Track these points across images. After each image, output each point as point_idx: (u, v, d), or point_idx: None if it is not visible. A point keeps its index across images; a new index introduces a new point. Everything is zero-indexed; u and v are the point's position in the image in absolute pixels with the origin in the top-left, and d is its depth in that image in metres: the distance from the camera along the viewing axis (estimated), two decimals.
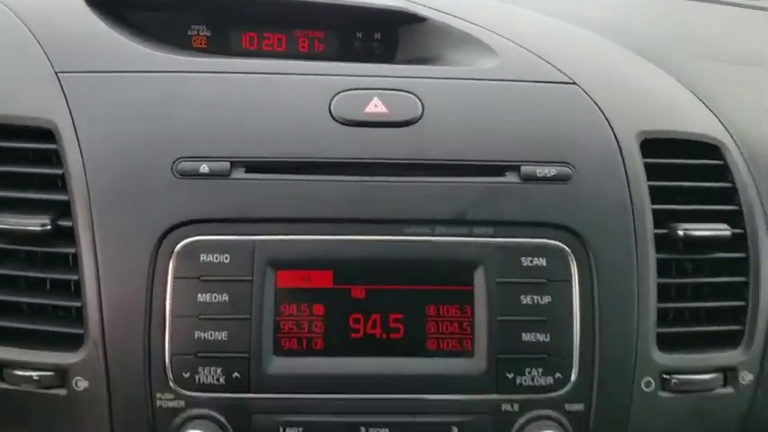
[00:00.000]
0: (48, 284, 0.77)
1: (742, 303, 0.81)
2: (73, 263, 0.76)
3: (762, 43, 1.12)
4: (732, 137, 0.87)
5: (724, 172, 0.84)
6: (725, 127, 0.88)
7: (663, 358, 0.78)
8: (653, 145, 0.82)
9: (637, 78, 0.92)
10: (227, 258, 0.75)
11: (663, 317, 0.79)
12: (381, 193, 0.77)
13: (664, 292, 0.79)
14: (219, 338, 0.74)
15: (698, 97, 0.92)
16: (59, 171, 0.77)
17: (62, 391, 0.75)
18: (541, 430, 0.74)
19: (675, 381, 0.78)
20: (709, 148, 0.84)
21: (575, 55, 0.90)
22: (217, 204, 0.76)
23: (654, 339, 0.78)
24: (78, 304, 0.75)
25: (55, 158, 0.78)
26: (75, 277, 0.75)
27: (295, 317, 0.75)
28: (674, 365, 0.78)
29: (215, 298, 0.74)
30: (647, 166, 0.81)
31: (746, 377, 0.80)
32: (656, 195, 0.80)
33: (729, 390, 0.80)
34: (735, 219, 0.82)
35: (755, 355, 0.80)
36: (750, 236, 0.82)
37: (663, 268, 0.80)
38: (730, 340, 0.81)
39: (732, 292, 0.82)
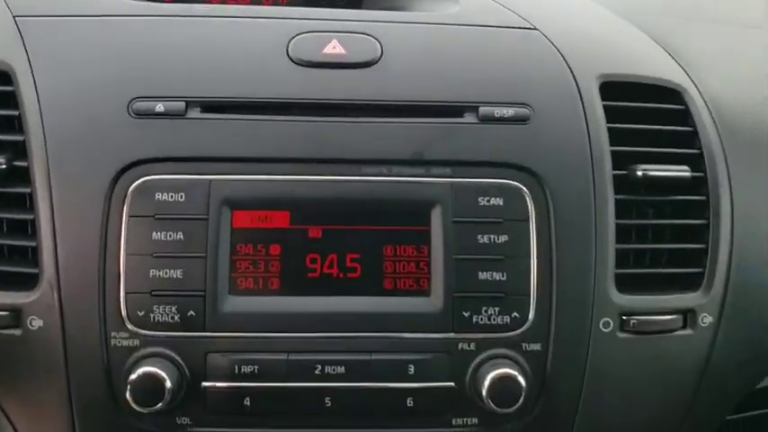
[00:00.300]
0: (4, 225, 0.77)
1: (702, 246, 0.81)
2: (29, 203, 0.75)
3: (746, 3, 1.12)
4: (695, 84, 0.86)
5: (685, 116, 0.84)
6: (689, 75, 0.88)
7: (622, 299, 0.78)
8: (616, 89, 0.82)
9: (600, 26, 0.92)
10: (182, 197, 0.74)
11: (623, 258, 0.79)
12: (338, 133, 0.77)
13: (624, 234, 0.79)
14: (174, 276, 0.73)
15: (664, 48, 0.92)
16: (16, 112, 0.77)
17: (17, 331, 0.74)
18: (498, 369, 0.73)
19: (634, 321, 0.77)
20: (670, 93, 0.84)
21: (537, 3, 0.90)
22: (171, 143, 0.75)
23: (612, 280, 0.77)
24: (33, 244, 0.75)
25: (12, 101, 0.78)
26: (31, 217, 0.75)
27: (251, 256, 0.75)
28: (633, 306, 0.78)
29: (170, 236, 0.74)
30: (607, 109, 0.80)
31: (706, 319, 0.80)
32: (617, 138, 0.80)
33: (689, 332, 0.80)
34: (696, 162, 0.82)
35: (716, 298, 0.80)
36: (710, 179, 0.81)
37: (623, 210, 0.79)
38: (691, 282, 0.81)
39: (693, 234, 0.81)
